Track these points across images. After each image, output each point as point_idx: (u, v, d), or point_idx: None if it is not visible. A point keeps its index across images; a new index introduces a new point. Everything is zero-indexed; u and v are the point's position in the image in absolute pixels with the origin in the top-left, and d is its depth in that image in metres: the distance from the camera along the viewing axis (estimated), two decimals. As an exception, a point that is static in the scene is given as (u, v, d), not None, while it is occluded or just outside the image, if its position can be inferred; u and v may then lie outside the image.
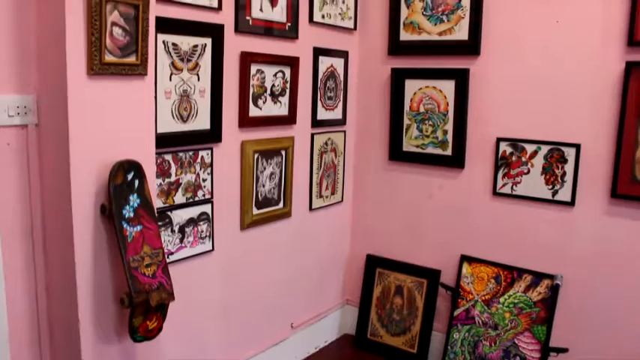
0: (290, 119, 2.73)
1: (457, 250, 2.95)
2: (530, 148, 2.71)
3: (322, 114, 2.94)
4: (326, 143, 3.01)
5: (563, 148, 2.62)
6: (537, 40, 2.64)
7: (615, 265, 2.54)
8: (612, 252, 2.54)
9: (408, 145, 3.06)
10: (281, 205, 2.75)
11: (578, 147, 2.58)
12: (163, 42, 2.06)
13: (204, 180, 2.32)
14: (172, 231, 2.21)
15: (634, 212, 2.48)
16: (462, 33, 2.83)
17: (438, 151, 2.97)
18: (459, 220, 2.95)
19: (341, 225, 3.26)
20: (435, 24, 2.90)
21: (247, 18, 2.41)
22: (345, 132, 3.16)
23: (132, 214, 1.74)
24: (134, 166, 1.75)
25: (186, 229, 2.27)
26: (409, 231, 3.12)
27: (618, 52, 2.45)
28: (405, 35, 3.00)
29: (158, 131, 2.01)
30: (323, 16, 2.84)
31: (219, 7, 2.27)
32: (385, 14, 3.06)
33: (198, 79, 2.23)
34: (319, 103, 2.91)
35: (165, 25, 2.03)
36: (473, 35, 2.79)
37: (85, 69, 1.62)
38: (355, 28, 3.12)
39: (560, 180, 2.64)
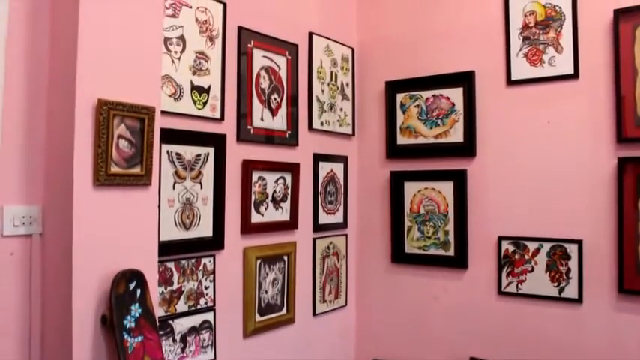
0: (292, 224, 2.75)
1: (466, 352, 2.86)
2: (532, 246, 2.70)
3: (323, 218, 2.97)
4: (328, 247, 3.01)
5: (566, 245, 2.62)
6: (531, 139, 2.72)
7: (630, 364, 2.46)
8: (624, 349, 2.47)
9: (410, 247, 3.06)
10: (284, 311, 2.70)
11: (580, 243, 2.58)
12: (167, 152, 2.13)
13: (206, 287, 2.30)
14: (174, 340, 2.17)
15: (643, 308, 2.44)
16: (457, 136, 2.92)
17: (441, 252, 2.96)
18: (466, 321, 2.89)
19: (345, 329, 3.19)
20: (431, 128, 3.00)
21: (249, 127, 2.50)
22: (346, 235, 3.17)
23: (133, 325, 1.71)
24: (137, 275, 1.75)
25: (188, 338, 2.22)
26: (415, 334, 3.04)
27: (609, 149, 2.52)
28: (402, 139, 3.09)
29: (161, 239, 2.02)
30: (322, 124, 2.94)
31: (222, 118, 2.36)
32: (382, 120, 3.17)
33: (201, 188, 2.28)
34: (320, 207, 2.94)
35: (170, 136, 2.11)
36: (468, 137, 2.88)
37: (90, 180, 1.67)
38: (354, 133, 3.22)
39: (565, 277, 2.61)
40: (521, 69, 2.75)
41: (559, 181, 2.65)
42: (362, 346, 3.24)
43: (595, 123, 2.56)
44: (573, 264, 2.60)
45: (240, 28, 2.47)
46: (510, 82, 2.78)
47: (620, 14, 2.48)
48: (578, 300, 2.58)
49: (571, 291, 2.60)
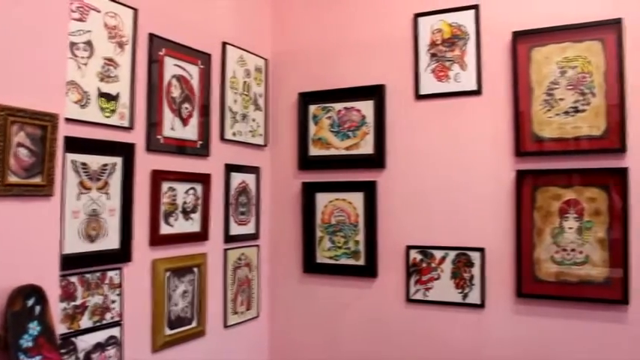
0: (202, 236, 2.71)
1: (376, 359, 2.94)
2: (438, 254, 2.81)
3: (235, 229, 2.94)
4: (239, 258, 2.99)
5: (469, 253, 2.74)
6: (437, 152, 2.84)
7: (527, 365, 2.61)
8: (522, 349, 2.62)
9: (322, 257, 3.09)
10: (195, 323, 2.65)
11: (482, 251, 2.71)
12: (72, 161, 2.04)
13: (112, 301, 2.22)
14: (77, 358, 2.07)
15: (539, 310, 2.60)
16: (367, 148, 2.99)
17: (351, 262, 3.01)
18: (376, 329, 2.95)
19: (258, 340, 3.17)
20: (342, 139, 3.05)
21: (158, 137, 2.44)
22: (258, 246, 3.16)
23: (31, 344, 1.62)
24: (35, 291, 1.66)
25: (93, 356, 2.13)
26: (327, 343, 3.07)
27: (509, 162, 2.68)
28: (314, 150, 3.13)
29: (64, 252, 1.94)
30: (234, 134, 2.93)
31: (131, 127, 2.30)
32: (294, 131, 3.19)
33: (108, 198, 2.20)
34: (232, 218, 2.92)
35: (75, 145, 2.02)
36: (378, 149, 2.96)
37: (-15, 191, 1.57)
38: (266, 144, 3.22)
39: (469, 283, 2.73)
40: (429, 84, 2.87)
41: (463, 192, 2.77)
42: (274, 357, 3.23)
43: (496, 137, 2.71)
44: (476, 271, 2.72)
45: (151, 35, 2.42)
46: (418, 96, 2.89)
47: (517, 36, 2.64)
48: (481, 305, 2.71)
49: (474, 297, 2.72)
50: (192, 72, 2.65)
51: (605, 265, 2.47)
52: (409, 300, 2.87)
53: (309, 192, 3.13)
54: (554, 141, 2.57)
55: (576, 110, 2.54)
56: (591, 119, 2.51)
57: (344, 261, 3.03)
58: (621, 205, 2.45)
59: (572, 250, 2.53)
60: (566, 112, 2.55)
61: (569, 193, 2.54)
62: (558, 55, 2.58)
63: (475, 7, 2.77)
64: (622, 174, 2.44)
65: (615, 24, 2.48)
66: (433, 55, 2.86)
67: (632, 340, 2.43)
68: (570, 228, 2.54)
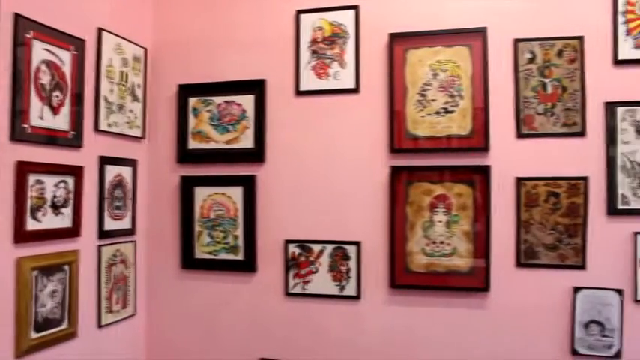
0: (74, 231, 2.56)
1: (256, 354, 2.95)
2: (316, 248, 2.88)
3: (110, 224, 2.82)
4: (115, 255, 2.86)
5: (346, 246, 2.84)
6: (316, 147, 2.90)
7: (399, 351, 2.75)
8: (395, 337, 2.77)
9: (201, 252, 3.05)
10: (65, 324, 2.50)
11: (358, 244, 2.82)
12: None
13: (-30, 304, 2.04)
14: None
15: (410, 299, 2.75)
16: (247, 142, 2.99)
17: (230, 257, 3.00)
18: (256, 324, 2.97)
19: (135, 339, 3.06)
20: (222, 133, 3.02)
21: (25, 126, 2.28)
22: (135, 242, 3.04)
23: None
24: None
25: (-53, 365, 1.95)
26: (207, 339, 3.04)
27: (384, 159, 2.80)
28: (193, 144, 3.07)
29: None
30: (109, 125, 2.79)
31: (-7, 115, 2.12)
32: (173, 123, 3.11)
33: (-34, 192, 2.02)
34: (106, 213, 2.78)
35: None
36: (258, 144, 2.96)
37: None
38: (143, 136, 3.11)
39: (346, 276, 2.83)
40: (309, 80, 2.92)
41: (341, 187, 2.86)
42: (152, 355, 3.14)
43: (372, 134, 2.82)
44: (353, 264, 2.82)
45: (16, 16, 2.24)
46: (299, 92, 2.93)
47: (394, 38, 2.77)
48: (357, 297, 2.82)
49: (351, 289, 2.82)
50: (64, 58, 2.49)
51: (470, 255, 2.67)
52: (288, 294, 2.91)
53: (187, 186, 3.07)
54: (427, 139, 2.73)
55: (446, 111, 2.71)
56: (459, 120, 2.69)
57: (223, 256, 3.01)
58: (483, 200, 2.65)
59: (441, 242, 2.71)
60: (438, 113, 2.72)
61: (439, 189, 2.71)
62: (431, 58, 2.73)
63: (355, 7, 2.86)
64: (485, 171, 2.65)
65: (480, 32, 2.68)
66: (314, 52, 2.92)
67: (492, 322, 2.66)
68: (440, 222, 2.71)
